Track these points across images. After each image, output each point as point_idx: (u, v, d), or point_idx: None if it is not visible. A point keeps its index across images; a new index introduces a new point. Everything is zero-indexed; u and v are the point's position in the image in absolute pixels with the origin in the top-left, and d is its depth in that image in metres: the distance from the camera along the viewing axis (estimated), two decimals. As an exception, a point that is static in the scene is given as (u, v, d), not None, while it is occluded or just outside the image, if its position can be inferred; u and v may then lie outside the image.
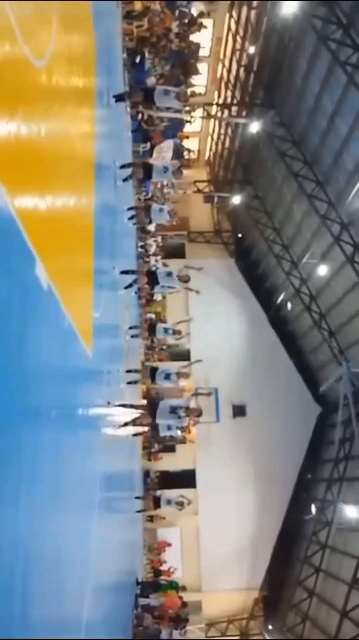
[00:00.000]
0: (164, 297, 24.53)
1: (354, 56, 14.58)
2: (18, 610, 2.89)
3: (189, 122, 22.98)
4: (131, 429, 11.81)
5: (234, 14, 23.38)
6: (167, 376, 12.54)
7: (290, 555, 27.11)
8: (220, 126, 29.30)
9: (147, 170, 12.73)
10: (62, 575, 4.28)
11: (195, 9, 21.27)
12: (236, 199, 27.11)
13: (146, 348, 23.11)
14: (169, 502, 16.26)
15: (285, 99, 20.34)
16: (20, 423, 3.02)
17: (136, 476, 19.04)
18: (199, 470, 27.69)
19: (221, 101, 27.39)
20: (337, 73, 16.02)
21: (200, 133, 30.69)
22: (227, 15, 24.06)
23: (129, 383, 12.78)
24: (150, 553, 24.71)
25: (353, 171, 17.60)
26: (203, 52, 23.16)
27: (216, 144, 30.85)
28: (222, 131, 29.17)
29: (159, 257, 23.19)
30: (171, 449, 26.81)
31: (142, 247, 21.35)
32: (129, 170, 12.05)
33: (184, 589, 18.52)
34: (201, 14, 22.07)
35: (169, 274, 13.50)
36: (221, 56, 26.25)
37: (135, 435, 14.28)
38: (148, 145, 18.00)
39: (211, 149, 32.19)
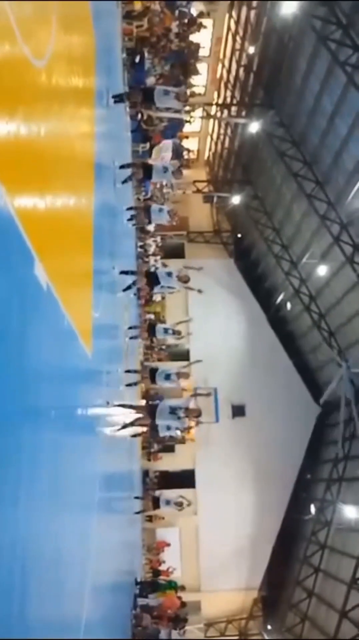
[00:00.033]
0: (163, 298, 24.51)
1: (353, 56, 14.58)
2: (17, 610, 2.89)
3: (189, 122, 22.96)
4: (131, 430, 11.80)
5: (234, 14, 23.39)
6: (168, 377, 12.55)
7: (289, 556, 27.08)
8: (220, 126, 29.30)
9: (147, 170, 12.70)
10: (61, 575, 4.29)
11: (195, 9, 21.27)
12: (236, 199, 27.10)
13: (145, 348, 23.08)
14: (168, 502, 16.21)
15: (285, 99, 20.34)
16: (20, 423, 3.02)
17: (135, 476, 19.02)
18: (199, 471, 27.68)
19: (220, 101, 27.40)
20: (337, 73, 16.02)
21: (199, 133, 30.68)
22: (227, 15, 24.07)
23: (129, 385, 12.76)
24: (149, 553, 24.67)
25: (353, 171, 17.60)
26: (203, 52, 23.14)
27: (216, 144, 30.85)
28: (222, 131, 29.16)
29: (158, 257, 23.18)
30: (170, 449, 26.77)
31: (141, 247, 21.35)
32: (128, 171, 12.03)
33: (183, 589, 18.47)
34: (201, 14, 22.07)
35: (169, 274, 13.49)
36: (221, 56, 26.26)
37: (134, 436, 14.27)
38: (148, 145, 17.99)
39: (210, 149, 32.18)
